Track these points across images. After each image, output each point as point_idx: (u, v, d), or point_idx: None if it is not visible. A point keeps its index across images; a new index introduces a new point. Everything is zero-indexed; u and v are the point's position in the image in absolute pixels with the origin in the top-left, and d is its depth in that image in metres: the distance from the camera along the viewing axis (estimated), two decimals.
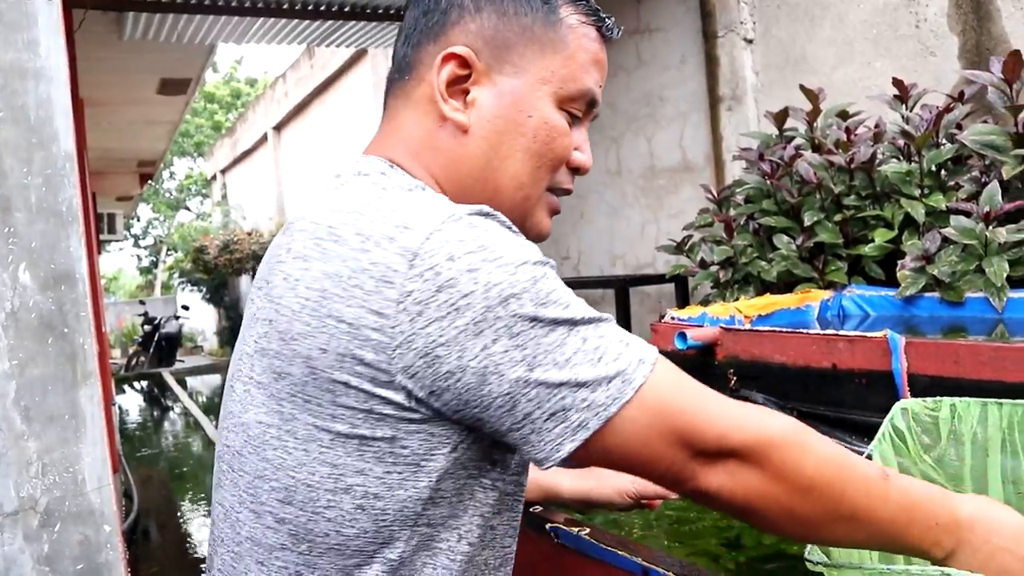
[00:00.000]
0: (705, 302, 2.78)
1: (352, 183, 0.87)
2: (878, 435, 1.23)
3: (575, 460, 0.77)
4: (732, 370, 2.04)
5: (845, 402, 1.77)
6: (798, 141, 3.06)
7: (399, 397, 0.75)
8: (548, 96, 0.89)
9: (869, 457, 1.25)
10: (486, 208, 0.80)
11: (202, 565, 3.94)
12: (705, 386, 0.80)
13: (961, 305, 2.35)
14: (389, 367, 0.74)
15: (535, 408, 0.74)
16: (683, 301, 3.88)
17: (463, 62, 0.87)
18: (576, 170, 0.94)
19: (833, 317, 2.59)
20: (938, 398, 1.25)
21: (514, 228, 0.81)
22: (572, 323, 0.76)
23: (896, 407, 1.25)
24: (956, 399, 1.23)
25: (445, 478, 0.79)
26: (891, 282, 2.55)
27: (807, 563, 0.94)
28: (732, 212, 3.10)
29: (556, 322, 0.75)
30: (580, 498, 1.35)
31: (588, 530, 1.20)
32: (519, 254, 0.76)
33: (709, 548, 1.65)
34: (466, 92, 0.88)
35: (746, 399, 2.00)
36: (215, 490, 0.91)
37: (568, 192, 0.97)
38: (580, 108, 0.91)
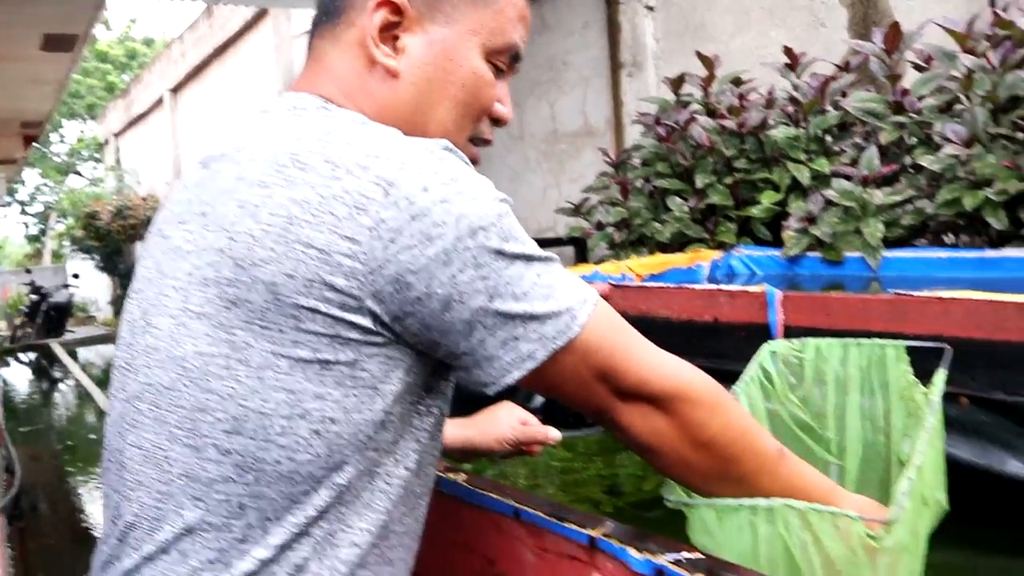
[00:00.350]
0: (600, 263, 2.81)
1: (293, 116, 0.87)
2: (746, 377, 1.26)
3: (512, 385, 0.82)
4: None
5: (726, 354, 1.81)
6: (694, 106, 3.11)
7: (366, 321, 0.77)
8: (477, 47, 0.91)
9: (736, 395, 1.29)
10: (448, 143, 0.81)
11: (96, 533, 3.81)
12: (637, 332, 0.87)
13: (841, 264, 2.43)
14: (359, 292, 0.76)
15: (489, 336, 0.78)
16: (582, 263, 3.91)
17: (396, 8, 0.89)
18: (497, 121, 0.97)
19: (722, 276, 2.65)
20: (804, 339, 1.29)
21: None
22: (529, 259, 0.80)
23: (764, 348, 1.29)
24: (821, 340, 1.27)
25: (397, 401, 0.81)
26: (778, 243, 2.62)
27: (666, 502, 0.97)
28: (629, 175, 3.14)
29: (516, 256, 0.78)
30: (461, 447, 1.37)
31: (465, 476, 1.20)
32: (486, 190, 0.79)
33: (591, 495, 1.68)
34: (396, 38, 0.90)
35: None
36: (126, 435, 0.88)
37: (488, 143, 0.99)
38: (505, 62, 0.94)
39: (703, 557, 0.87)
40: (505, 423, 1.36)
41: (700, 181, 2.79)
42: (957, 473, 1.53)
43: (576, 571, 1.02)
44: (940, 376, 1.15)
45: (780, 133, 2.75)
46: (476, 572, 1.22)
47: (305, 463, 0.80)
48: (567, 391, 0.86)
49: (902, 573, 0.94)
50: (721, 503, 0.91)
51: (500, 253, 0.77)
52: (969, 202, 2.22)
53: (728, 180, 2.79)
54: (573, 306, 0.81)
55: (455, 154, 0.81)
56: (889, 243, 2.41)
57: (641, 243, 2.95)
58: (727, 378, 1.63)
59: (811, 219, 2.50)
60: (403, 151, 0.79)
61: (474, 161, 0.99)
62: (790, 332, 1.73)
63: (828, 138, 2.81)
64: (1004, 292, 1.54)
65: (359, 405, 0.80)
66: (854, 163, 2.58)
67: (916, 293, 1.59)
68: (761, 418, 1.29)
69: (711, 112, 3.03)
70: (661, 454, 0.88)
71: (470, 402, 1.31)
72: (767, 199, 2.69)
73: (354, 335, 0.78)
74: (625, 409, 0.86)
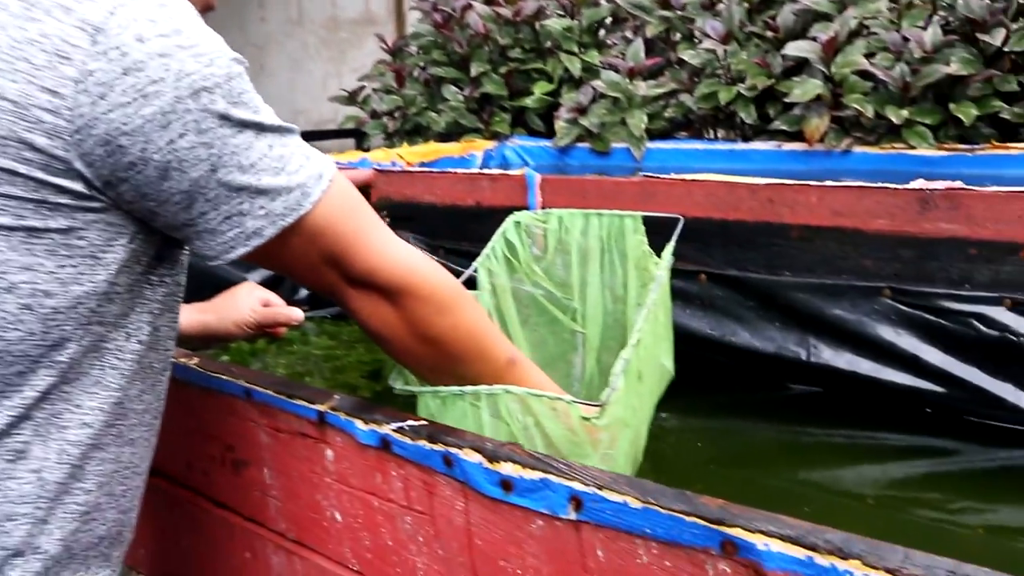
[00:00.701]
0: (369, 151, 2.73)
1: None
2: (487, 251, 1.27)
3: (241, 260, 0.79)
4: (386, 211, 2.02)
5: (488, 237, 1.82)
6: None
7: (76, 186, 0.69)
8: None
9: (476, 272, 1.29)
10: None
11: None
12: (375, 215, 0.84)
13: (608, 155, 2.49)
14: (65, 154, 0.68)
15: (212, 209, 0.73)
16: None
17: None
18: None
19: (496, 166, 2.65)
20: (547, 210, 1.30)
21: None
22: (261, 127, 0.74)
23: (509, 220, 1.30)
24: (564, 211, 1.30)
25: (122, 271, 0.75)
26: (551, 134, 2.64)
27: (393, 389, 0.96)
28: (406, 63, 3.05)
29: (245, 124, 0.72)
30: (198, 333, 1.31)
31: (196, 360, 1.13)
32: (214, 46, 0.71)
33: (351, 381, 1.66)
34: None
35: None
36: None
37: None
38: None
39: (425, 424, 0.87)
40: (245, 306, 1.30)
41: (475, 70, 2.75)
42: (695, 344, 1.64)
43: (308, 449, 1.00)
44: (667, 252, 1.20)
45: (555, 24, 2.75)
46: (215, 459, 1.18)
47: (16, 341, 0.73)
48: (295, 271, 0.83)
49: (622, 443, 1.00)
50: (445, 390, 0.93)
51: (226, 118, 0.71)
52: (724, 96, 2.32)
53: (503, 70, 2.76)
54: (306, 182, 0.76)
55: (180, 1, 0.72)
56: (654, 135, 2.49)
57: (417, 132, 2.89)
58: None
59: (581, 110, 2.53)
60: None
61: (208, 7, 0.91)
62: None
63: (601, 31, 2.84)
64: None
65: (78, 276, 0.73)
66: (624, 56, 2.62)
67: (662, 176, 1.65)
68: (505, 292, 1.31)
69: (488, 0, 2.97)
70: (388, 342, 0.88)
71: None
72: (540, 89, 2.70)
73: (65, 200, 0.70)
74: (355, 295, 0.84)
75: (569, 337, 1.39)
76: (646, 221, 1.29)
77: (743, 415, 1.59)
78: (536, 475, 0.74)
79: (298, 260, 0.81)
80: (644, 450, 1.18)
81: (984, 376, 1.35)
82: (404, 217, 2.00)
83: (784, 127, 2.23)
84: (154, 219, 0.75)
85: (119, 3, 0.68)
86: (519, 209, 1.80)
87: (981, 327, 1.33)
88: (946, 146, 2.00)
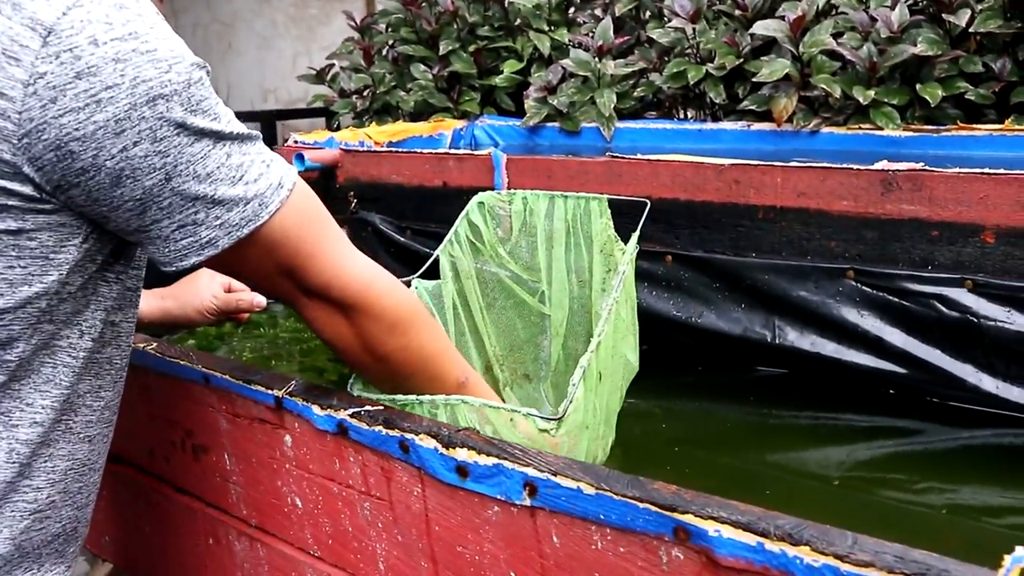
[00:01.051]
0: (337, 130, 2.70)
1: None
2: (450, 235, 1.25)
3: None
4: (352, 192, 2.00)
5: (455, 218, 1.80)
6: None
7: (26, 189, 0.67)
8: None
9: (437, 261, 1.28)
10: None
11: None
12: (334, 226, 0.83)
13: (577, 134, 2.48)
14: (13, 158, 0.65)
15: (165, 217, 0.71)
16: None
17: None
18: None
19: (466, 146, 2.64)
20: (512, 191, 1.29)
21: (160, 15, 0.72)
22: (219, 136, 0.72)
23: (473, 201, 1.28)
24: (527, 191, 1.28)
25: (75, 271, 0.73)
26: (521, 113, 2.62)
27: (351, 392, 0.96)
28: (375, 40, 3.01)
29: (203, 132, 0.70)
30: (159, 319, 1.29)
31: (155, 345, 1.12)
32: (174, 50, 0.69)
33: (318, 363, 1.65)
34: None
35: (365, 220, 1.98)
36: None
37: None
38: None
39: (382, 409, 0.86)
40: (206, 291, 1.28)
41: (444, 48, 2.72)
42: (662, 326, 1.64)
43: (267, 434, 0.99)
44: (632, 241, 1.19)
45: (524, 1, 2.72)
46: (176, 445, 1.16)
47: None
48: (250, 278, 0.84)
49: (582, 444, 1.00)
50: (403, 399, 0.92)
51: (183, 127, 0.69)
52: (692, 76, 2.31)
53: (472, 48, 2.74)
54: (264, 192, 0.75)
55: (138, 0, 0.69)
56: (624, 115, 2.48)
57: (386, 112, 2.86)
58: None
59: (550, 89, 2.51)
60: None
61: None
62: None
63: (571, 9, 2.82)
64: None
65: (27, 277, 0.71)
66: (593, 35, 2.60)
67: (629, 156, 1.64)
68: (469, 277, 1.30)
69: None
70: (341, 353, 0.89)
71: None
72: (509, 68, 2.67)
73: (14, 202, 0.68)
74: (309, 304, 0.84)
75: (538, 320, 1.38)
76: (612, 203, 1.29)
77: (709, 397, 1.60)
78: (491, 461, 0.74)
79: (253, 269, 0.80)
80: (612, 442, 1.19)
81: (945, 357, 1.36)
82: (371, 198, 1.99)
83: (753, 107, 2.22)
84: (106, 223, 0.73)
85: (74, 2, 0.65)
86: (486, 190, 1.79)
87: (943, 309, 1.34)
88: (912, 127, 2.01)
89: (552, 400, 1.41)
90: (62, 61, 0.64)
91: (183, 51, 0.70)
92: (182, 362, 1.06)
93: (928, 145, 1.96)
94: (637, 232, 1.18)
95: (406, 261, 1.93)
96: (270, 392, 0.94)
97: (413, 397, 0.91)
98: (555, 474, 0.70)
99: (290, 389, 0.92)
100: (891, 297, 1.40)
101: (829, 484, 1.33)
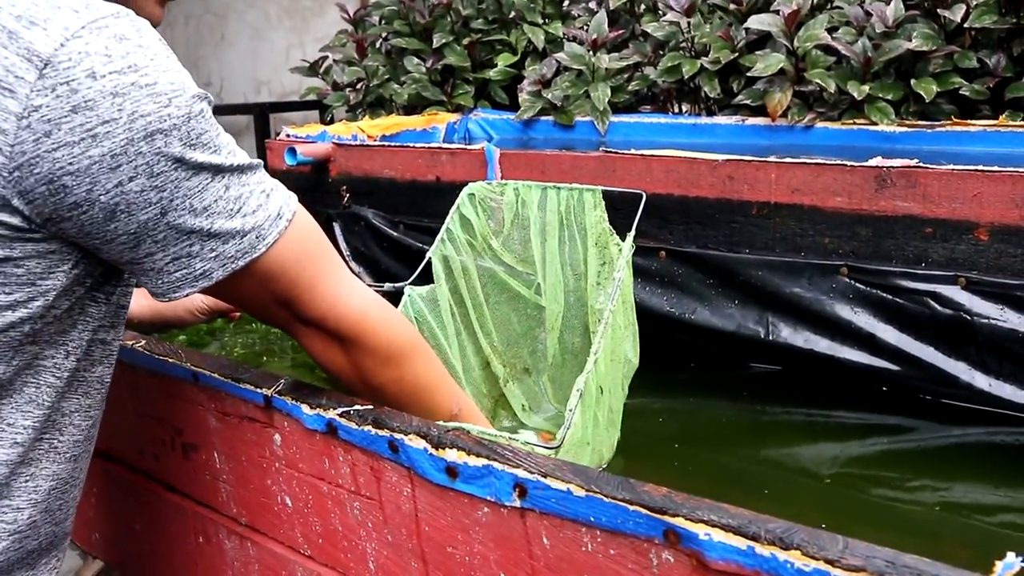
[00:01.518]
0: (330, 124, 2.69)
1: None
2: (442, 233, 1.25)
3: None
4: (345, 186, 1.99)
5: (447, 213, 1.80)
6: None
7: (14, 220, 0.65)
8: None
9: (430, 263, 1.27)
10: (129, 11, 0.68)
11: None
12: (333, 255, 0.84)
13: (572, 128, 2.47)
14: (3, 190, 0.64)
15: (159, 250, 0.70)
16: None
17: None
18: None
19: (460, 140, 2.63)
20: (503, 181, 1.28)
21: (163, 41, 0.70)
22: (218, 169, 0.70)
23: (464, 192, 1.27)
24: (519, 182, 1.27)
25: (63, 295, 0.72)
26: (516, 106, 2.61)
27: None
28: (368, 33, 2.99)
29: (201, 166, 0.69)
30: (150, 319, 1.29)
31: (143, 343, 1.11)
32: (174, 83, 0.67)
33: (309, 360, 1.63)
34: None
35: (357, 215, 1.97)
36: None
37: None
38: None
39: (371, 408, 0.85)
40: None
41: (437, 40, 2.71)
42: (655, 322, 1.63)
43: (257, 433, 0.98)
44: (628, 239, 1.19)
45: None
46: (165, 443, 1.16)
47: None
48: (245, 307, 0.83)
49: (583, 459, 1.00)
50: None
51: (181, 161, 0.67)
52: (687, 70, 2.30)
53: (466, 41, 2.72)
54: (262, 224, 0.74)
55: (140, 29, 0.67)
56: (618, 109, 2.47)
57: (380, 105, 2.85)
58: None
59: (544, 83, 2.50)
60: (69, 21, 0.63)
61: (155, 23, 0.86)
62: None
63: (565, 2, 2.81)
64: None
65: (12, 304, 0.69)
66: (587, 28, 2.59)
67: (622, 151, 1.63)
68: (462, 275, 1.29)
69: None
70: (337, 379, 0.90)
71: None
72: (503, 61, 2.66)
73: (1, 231, 0.66)
74: (305, 333, 0.84)
75: (534, 312, 1.38)
76: (607, 196, 1.28)
77: (703, 393, 1.59)
78: (480, 462, 0.73)
79: (248, 299, 0.80)
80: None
81: (938, 355, 1.36)
82: (364, 192, 1.98)
83: (747, 101, 2.22)
84: (98, 253, 0.72)
85: (72, 33, 0.63)
86: None
87: (936, 306, 1.34)
88: (907, 122, 2.00)
89: (551, 394, 1.41)
90: (58, 94, 0.62)
91: (184, 83, 0.69)
92: (171, 360, 1.05)
93: (923, 141, 1.96)
94: (633, 231, 1.17)
95: (399, 256, 1.92)
96: (259, 391, 0.93)
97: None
98: (545, 476, 0.69)
99: (279, 388, 0.92)
100: (884, 294, 1.39)
101: (821, 481, 1.33)
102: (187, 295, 0.75)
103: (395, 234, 1.91)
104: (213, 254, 0.72)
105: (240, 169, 0.73)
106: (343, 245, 2.00)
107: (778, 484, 1.32)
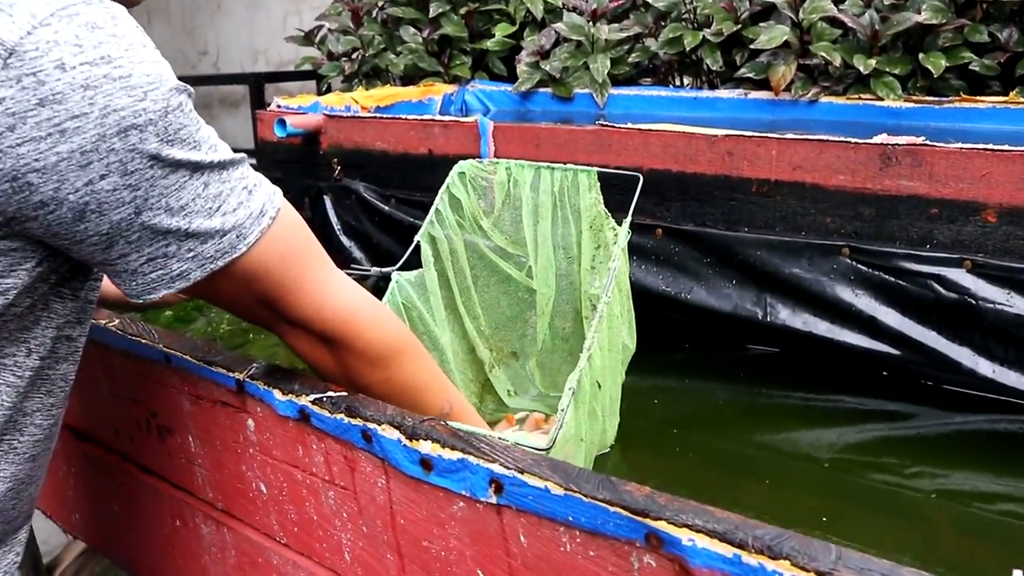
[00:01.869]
0: (324, 94, 2.64)
1: None
2: (429, 217, 1.20)
3: None
4: (336, 159, 1.94)
5: (440, 187, 1.75)
6: None
7: None
8: None
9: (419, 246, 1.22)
10: None
11: None
12: (319, 253, 0.80)
13: (570, 100, 2.42)
14: None
15: (133, 251, 0.66)
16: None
17: None
18: None
19: (456, 112, 2.57)
20: (494, 159, 1.23)
21: (140, 29, 0.65)
22: (196, 167, 0.66)
23: (454, 171, 1.23)
24: (511, 161, 1.23)
25: (25, 293, 0.68)
26: (514, 78, 2.56)
27: None
28: (363, 2, 2.92)
29: (179, 164, 0.65)
30: (121, 299, 1.24)
31: (116, 322, 1.07)
32: (151, 75, 0.62)
33: None
34: None
35: (348, 188, 1.93)
36: None
37: None
38: None
39: (345, 395, 0.81)
40: None
41: (434, 10, 2.64)
42: (651, 301, 1.59)
43: (230, 418, 0.95)
44: (625, 225, 1.14)
45: None
46: (140, 424, 1.12)
47: None
48: (226, 307, 0.79)
49: (582, 454, 0.96)
50: None
51: (157, 159, 0.63)
52: (689, 41, 2.24)
53: (463, 10, 2.66)
54: (243, 222, 0.70)
55: (114, 17, 0.62)
56: (618, 81, 2.41)
57: (376, 75, 2.79)
58: None
59: (543, 54, 2.45)
60: (35, 6, 0.59)
61: (132, 5, 0.81)
62: None
63: None
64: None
65: None
66: None
67: (619, 125, 1.58)
68: (448, 257, 1.24)
69: None
70: (324, 378, 0.87)
71: None
72: (501, 32, 2.60)
73: None
74: (291, 333, 0.81)
75: (525, 296, 1.33)
76: (602, 176, 1.23)
77: (699, 375, 1.55)
78: (455, 455, 0.70)
79: (229, 299, 0.77)
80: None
81: (941, 339, 1.31)
82: (355, 165, 1.93)
83: (750, 74, 2.16)
84: (68, 253, 0.68)
85: (40, 20, 0.59)
86: (472, 158, 1.73)
87: (940, 289, 1.29)
88: (914, 98, 1.95)
89: (539, 380, 1.37)
90: (24, 86, 0.58)
91: (161, 75, 0.64)
92: (143, 341, 1.01)
93: (930, 117, 1.90)
94: (629, 216, 1.12)
95: (391, 230, 1.88)
96: (231, 375, 0.90)
97: None
98: (522, 472, 0.65)
99: (251, 372, 0.88)
100: (887, 276, 1.35)
101: (819, 466, 1.30)
102: (163, 297, 0.71)
103: (386, 208, 1.87)
104: (191, 254, 0.69)
105: (221, 165, 0.69)
106: (333, 219, 1.96)
107: (775, 468, 1.29)
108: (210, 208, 0.68)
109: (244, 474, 0.97)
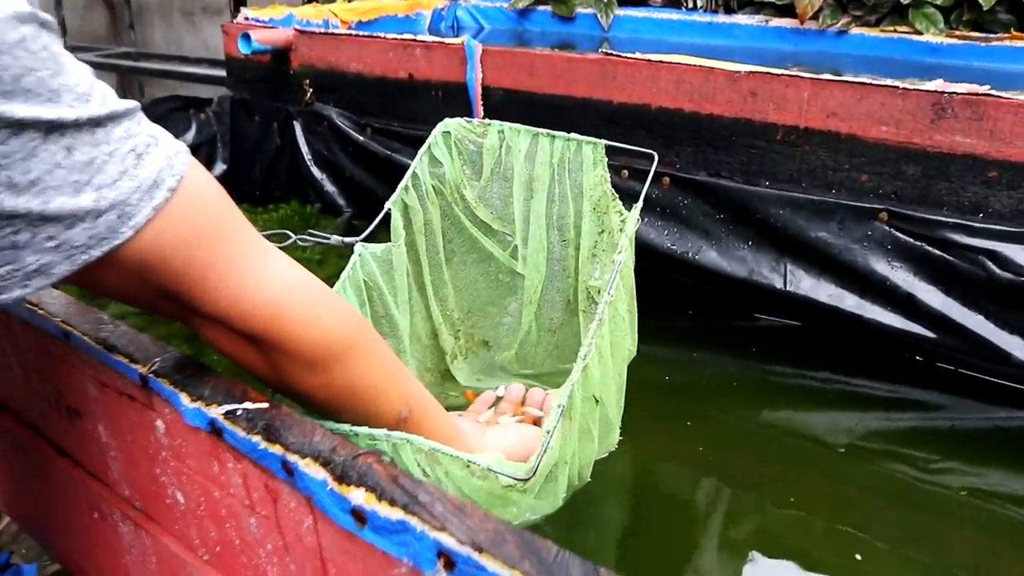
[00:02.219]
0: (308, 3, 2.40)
1: None
2: (404, 181, 1.00)
3: None
4: (308, 80, 1.73)
5: (420, 116, 1.56)
6: None
7: None
8: None
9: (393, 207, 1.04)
10: None
11: None
12: (238, 230, 0.63)
13: (572, 21, 2.21)
14: None
15: None
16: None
17: None
18: None
19: (447, 29, 2.35)
20: (486, 120, 1.04)
21: None
22: (52, 126, 0.49)
23: (437, 130, 1.03)
24: (506, 124, 1.04)
25: None
26: None
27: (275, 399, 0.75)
28: None
29: (22, 125, 0.47)
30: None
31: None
32: None
33: None
34: None
35: (320, 114, 1.72)
36: None
37: None
38: None
39: (263, 410, 0.64)
40: None
41: None
42: (654, 259, 1.41)
43: (138, 414, 0.78)
44: (634, 211, 0.96)
45: None
46: (50, 402, 0.96)
47: None
48: (120, 300, 0.64)
49: (561, 479, 0.82)
50: (335, 427, 0.73)
51: None
52: None
53: None
54: (127, 198, 0.53)
55: None
56: (625, 1, 2.19)
57: None
58: (420, 144, 1.38)
59: None
60: None
61: None
62: (490, 93, 1.49)
63: None
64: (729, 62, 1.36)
65: None
66: None
67: (626, 55, 1.37)
68: (420, 230, 1.06)
69: None
70: (254, 376, 0.71)
71: None
72: None
73: None
74: (207, 327, 0.67)
75: (507, 279, 1.15)
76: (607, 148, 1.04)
77: (707, 345, 1.40)
78: (395, 514, 0.53)
79: (119, 294, 0.61)
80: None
81: (989, 325, 1.15)
82: (328, 88, 1.72)
83: None
84: None
85: None
86: (456, 85, 1.53)
87: (993, 267, 1.12)
88: (957, 33, 1.74)
89: (513, 374, 1.20)
90: None
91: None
92: (40, 312, 0.84)
93: (973, 55, 1.70)
94: (640, 201, 0.94)
95: (366, 163, 1.68)
96: (134, 366, 0.72)
97: (347, 427, 0.73)
98: (480, 550, 0.49)
99: (154, 367, 0.71)
100: (930, 248, 1.18)
101: (833, 451, 1.19)
102: (19, 298, 0.53)
103: (361, 138, 1.67)
104: (52, 243, 0.52)
105: (94, 122, 0.51)
106: (304, 147, 1.76)
107: (785, 450, 1.18)
108: (77, 181, 0.51)
109: (159, 477, 0.81)
